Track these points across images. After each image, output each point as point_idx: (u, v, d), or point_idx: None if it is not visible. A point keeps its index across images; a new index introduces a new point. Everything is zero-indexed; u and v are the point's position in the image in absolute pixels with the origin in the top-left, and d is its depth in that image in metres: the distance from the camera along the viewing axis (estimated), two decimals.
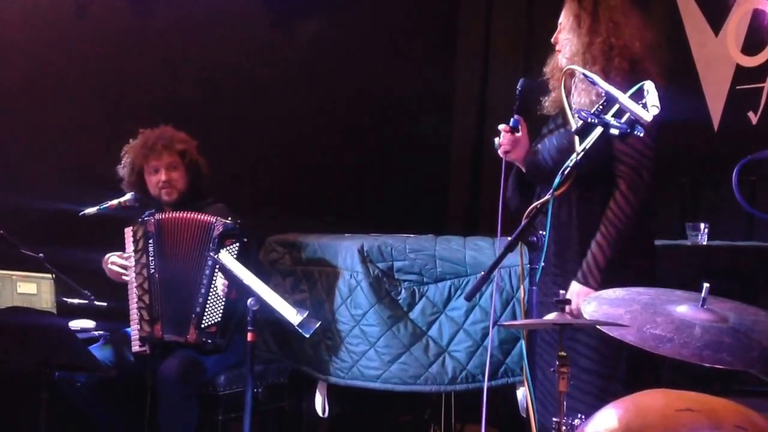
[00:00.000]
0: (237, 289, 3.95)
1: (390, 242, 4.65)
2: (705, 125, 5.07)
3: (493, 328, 4.25)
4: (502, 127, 3.58)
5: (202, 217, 4.41)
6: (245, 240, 4.34)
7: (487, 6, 6.43)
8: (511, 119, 3.56)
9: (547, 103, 3.65)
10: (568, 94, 3.43)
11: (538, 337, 3.45)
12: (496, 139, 3.60)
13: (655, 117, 2.89)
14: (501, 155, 3.58)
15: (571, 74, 3.43)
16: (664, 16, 5.36)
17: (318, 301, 4.69)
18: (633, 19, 3.56)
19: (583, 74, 3.21)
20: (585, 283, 3.32)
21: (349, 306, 4.57)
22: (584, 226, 3.46)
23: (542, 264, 3.08)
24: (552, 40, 3.62)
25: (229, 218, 4.38)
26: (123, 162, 4.61)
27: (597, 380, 3.39)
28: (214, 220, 4.36)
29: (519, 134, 3.58)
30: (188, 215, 4.44)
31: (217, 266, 4.07)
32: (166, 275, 4.40)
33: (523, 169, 3.66)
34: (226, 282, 4.16)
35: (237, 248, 4.30)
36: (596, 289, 3.23)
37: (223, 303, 4.31)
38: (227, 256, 4.00)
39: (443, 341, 4.49)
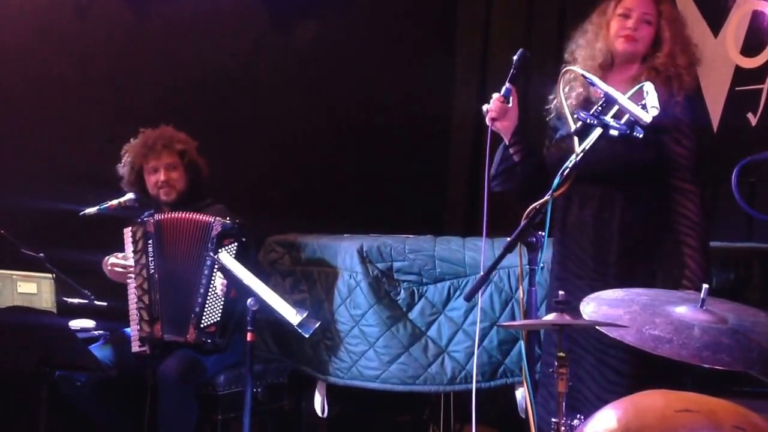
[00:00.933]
0: (236, 289, 3.96)
1: (389, 243, 4.66)
2: (704, 127, 5.07)
3: (478, 329, 4.29)
4: (495, 95, 3.49)
5: (201, 217, 4.42)
6: (243, 240, 4.34)
7: (487, 6, 6.43)
8: (503, 87, 3.46)
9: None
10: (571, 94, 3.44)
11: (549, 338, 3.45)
12: (485, 106, 3.51)
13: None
14: (488, 122, 3.49)
15: (561, 75, 3.43)
16: None
17: (317, 301, 4.70)
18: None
19: (582, 75, 3.22)
20: None
21: (349, 306, 4.57)
22: (627, 230, 3.45)
23: (541, 265, 3.09)
24: (631, 27, 3.52)
25: (228, 218, 4.39)
26: (123, 161, 4.62)
27: (628, 381, 3.38)
28: (213, 220, 4.37)
29: (509, 105, 3.49)
30: (187, 215, 4.44)
31: (217, 266, 4.07)
32: (165, 275, 4.41)
33: (507, 141, 3.57)
34: (225, 281, 4.17)
35: (235, 248, 4.31)
36: None
37: (222, 302, 4.32)
38: (227, 257, 4.01)
39: (442, 341, 4.49)
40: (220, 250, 4.28)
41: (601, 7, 3.67)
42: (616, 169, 3.42)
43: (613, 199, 3.46)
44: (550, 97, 3.72)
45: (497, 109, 3.48)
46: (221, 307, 4.32)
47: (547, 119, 3.73)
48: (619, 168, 3.41)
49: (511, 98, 3.47)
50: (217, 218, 4.37)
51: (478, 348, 4.44)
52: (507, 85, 3.45)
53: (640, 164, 3.40)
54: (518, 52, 3.43)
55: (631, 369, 3.38)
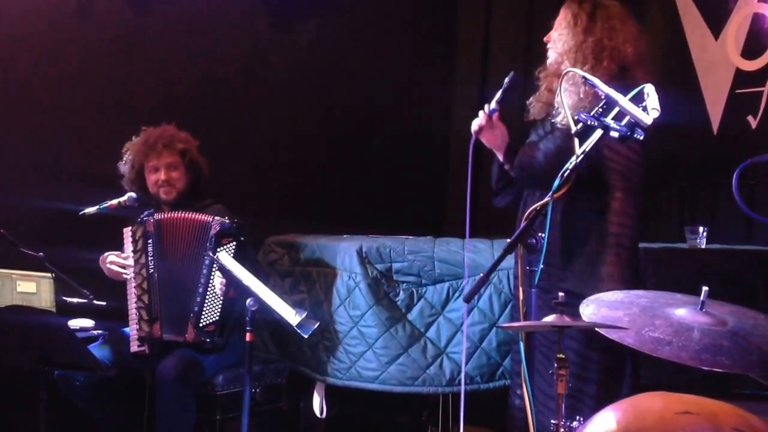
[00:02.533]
0: (236, 288, 3.96)
1: (389, 244, 4.66)
2: (704, 129, 5.07)
3: (465, 333, 4.30)
4: (483, 110, 3.68)
5: (200, 216, 4.42)
6: (242, 239, 4.35)
7: (487, 7, 6.43)
8: (490, 106, 3.65)
9: (535, 109, 3.69)
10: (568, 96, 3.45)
11: (537, 339, 3.46)
12: (475, 121, 3.71)
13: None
14: (472, 132, 3.71)
15: (562, 76, 3.44)
16: (664, 19, 5.36)
17: (316, 301, 4.70)
18: (629, 26, 3.62)
19: (583, 77, 3.21)
20: None
21: (348, 307, 4.57)
22: (567, 234, 3.48)
23: (541, 266, 3.09)
24: (545, 38, 3.67)
25: (226, 218, 4.39)
26: (124, 159, 4.62)
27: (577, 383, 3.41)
28: (211, 220, 4.37)
29: (492, 121, 3.68)
30: (186, 215, 4.44)
31: (217, 266, 4.07)
32: (164, 275, 4.41)
33: (501, 158, 3.78)
34: (224, 281, 4.18)
35: (234, 247, 4.31)
36: None
37: (221, 302, 4.32)
38: (226, 256, 4.01)
39: (441, 343, 4.49)
40: (218, 250, 4.28)
41: None
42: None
43: (555, 204, 3.50)
44: (528, 101, 3.77)
45: (482, 122, 3.68)
46: (220, 306, 4.32)
47: (526, 119, 3.80)
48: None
49: (494, 117, 3.67)
50: (216, 217, 4.38)
51: (477, 350, 4.45)
52: (494, 105, 3.64)
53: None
54: (509, 75, 3.62)
55: (576, 369, 3.41)
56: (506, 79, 3.61)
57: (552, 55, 3.62)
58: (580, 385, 3.42)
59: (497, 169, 3.86)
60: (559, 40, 3.61)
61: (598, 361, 3.45)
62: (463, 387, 3.80)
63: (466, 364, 4.45)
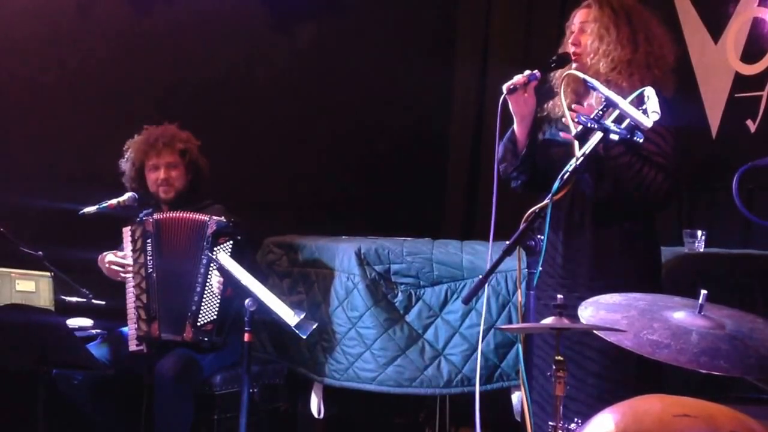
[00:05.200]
0: (234, 288, 3.96)
1: (387, 245, 4.66)
2: (703, 133, 5.07)
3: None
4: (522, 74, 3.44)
5: (197, 216, 4.43)
6: (238, 238, 4.35)
7: (487, 7, 6.44)
8: (533, 72, 3.41)
9: (553, 106, 3.64)
10: (567, 99, 3.43)
11: (537, 340, 3.45)
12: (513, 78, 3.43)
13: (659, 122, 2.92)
14: (504, 89, 3.40)
15: (563, 77, 3.42)
16: (664, 22, 5.36)
17: (315, 302, 4.70)
18: (664, 30, 3.58)
19: (584, 80, 3.22)
20: None
21: (346, 308, 4.57)
22: (599, 230, 3.48)
23: (540, 268, 3.08)
24: (571, 42, 3.55)
25: (223, 217, 4.39)
26: (125, 156, 4.64)
27: (604, 384, 3.39)
28: (208, 219, 4.38)
29: (529, 87, 3.45)
30: (184, 215, 4.45)
31: (216, 266, 4.08)
32: (163, 274, 4.42)
33: (519, 129, 3.57)
34: (221, 279, 4.18)
35: (230, 246, 4.32)
36: None
37: (218, 301, 4.32)
38: (225, 256, 4.02)
39: (439, 344, 4.49)
40: (215, 249, 4.29)
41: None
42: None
43: (585, 200, 3.48)
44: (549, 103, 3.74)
45: (518, 82, 3.41)
46: (218, 305, 4.33)
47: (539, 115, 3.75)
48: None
49: (530, 84, 3.43)
50: (213, 217, 4.39)
51: (475, 352, 4.45)
52: (536, 71, 3.40)
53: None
54: (559, 52, 3.51)
55: (599, 368, 3.39)
56: (559, 52, 3.49)
57: (602, 67, 3.46)
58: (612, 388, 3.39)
59: (509, 135, 3.62)
60: (605, 54, 3.45)
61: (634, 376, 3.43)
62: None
63: (464, 366, 4.46)
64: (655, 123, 2.98)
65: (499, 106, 3.38)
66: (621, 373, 3.38)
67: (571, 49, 3.54)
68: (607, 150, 3.24)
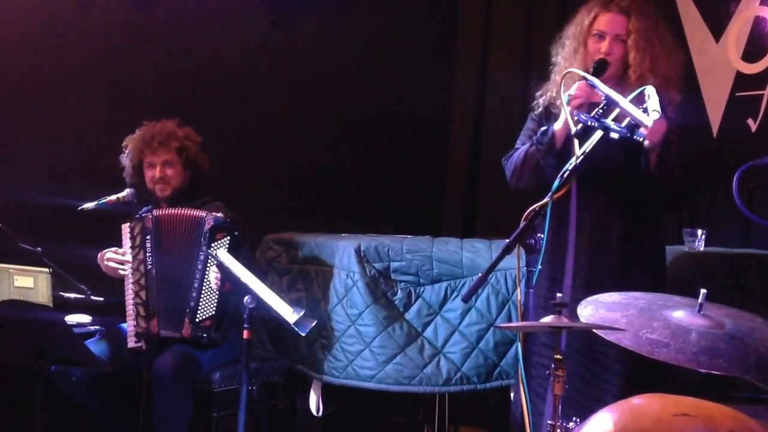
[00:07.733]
0: (233, 285, 3.96)
1: (387, 243, 4.65)
2: (704, 131, 5.06)
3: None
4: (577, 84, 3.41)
5: (195, 212, 4.42)
6: (236, 234, 4.35)
7: (487, 7, 6.43)
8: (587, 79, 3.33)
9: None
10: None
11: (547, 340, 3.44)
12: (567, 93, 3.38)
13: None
14: (570, 106, 3.33)
15: (563, 76, 3.40)
16: (665, 21, 5.35)
17: (314, 300, 4.69)
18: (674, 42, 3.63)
19: (584, 77, 3.21)
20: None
21: (345, 305, 4.57)
22: (628, 234, 3.49)
23: (539, 267, 3.08)
24: (602, 49, 3.54)
25: (221, 213, 4.39)
26: (125, 152, 4.64)
27: (630, 385, 3.38)
28: (205, 215, 4.38)
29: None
30: (182, 211, 4.45)
31: (215, 262, 4.07)
32: (162, 271, 4.41)
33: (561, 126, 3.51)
34: (219, 275, 4.18)
35: (228, 242, 4.32)
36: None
37: (216, 296, 4.32)
38: (224, 253, 4.02)
39: (438, 342, 4.49)
40: (213, 245, 4.29)
41: (576, 19, 3.67)
42: (619, 171, 3.44)
43: (616, 202, 3.47)
44: (538, 93, 3.74)
45: (583, 89, 3.40)
46: (216, 301, 4.33)
47: (532, 113, 3.74)
48: (623, 170, 3.44)
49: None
50: (210, 213, 4.38)
51: (474, 350, 4.45)
52: (590, 77, 3.31)
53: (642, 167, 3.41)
54: (599, 59, 3.47)
55: (625, 369, 3.39)
56: (594, 64, 3.45)
57: (648, 78, 3.45)
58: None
59: (546, 146, 3.55)
60: (654, 67, 3.49)
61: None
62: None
63: (463, 364, 4.46)
64: (672, 124, 3.00)
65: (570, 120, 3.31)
66: (646, 374, 3.37)
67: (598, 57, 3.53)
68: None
